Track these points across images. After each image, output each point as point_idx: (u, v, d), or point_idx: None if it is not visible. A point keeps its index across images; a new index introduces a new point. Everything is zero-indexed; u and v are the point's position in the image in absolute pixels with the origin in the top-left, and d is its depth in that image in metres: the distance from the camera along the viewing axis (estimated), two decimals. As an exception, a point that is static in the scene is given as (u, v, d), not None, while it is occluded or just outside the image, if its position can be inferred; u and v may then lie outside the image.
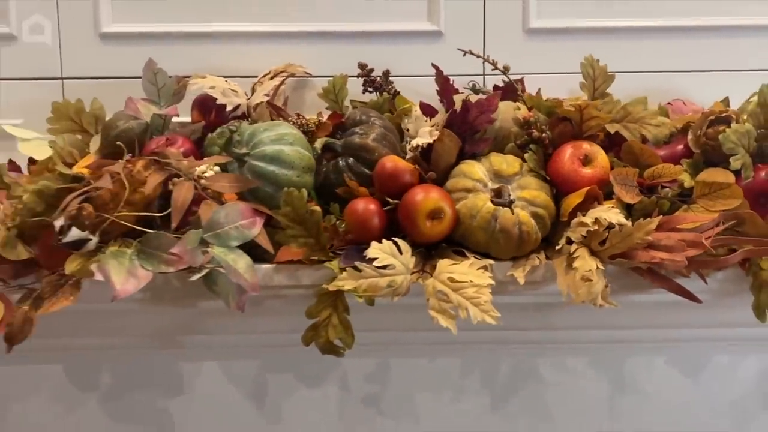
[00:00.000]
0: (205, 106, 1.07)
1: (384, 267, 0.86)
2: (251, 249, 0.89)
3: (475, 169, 0.93)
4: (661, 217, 0.88)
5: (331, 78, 1.11)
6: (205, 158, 0.96)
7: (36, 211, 0.90)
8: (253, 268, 0.86)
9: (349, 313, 0.91)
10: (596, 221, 0.87)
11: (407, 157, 0.96)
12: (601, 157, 0.94)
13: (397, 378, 1.05)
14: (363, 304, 0.90)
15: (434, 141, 0.94)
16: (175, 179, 0.92)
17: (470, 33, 1.14)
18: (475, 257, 0.91)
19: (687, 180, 0.93)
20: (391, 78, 1.11)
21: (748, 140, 0.92)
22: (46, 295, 0.88)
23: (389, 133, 0.99)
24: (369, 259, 0.87)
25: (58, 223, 0.85)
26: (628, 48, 1.14)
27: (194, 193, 0.89)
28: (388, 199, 0.92)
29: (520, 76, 1.08)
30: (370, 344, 0.97)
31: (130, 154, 0.96)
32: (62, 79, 1.14)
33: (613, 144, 0.99)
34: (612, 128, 0.97)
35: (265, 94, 1.05)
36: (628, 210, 0.92)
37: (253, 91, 1.10)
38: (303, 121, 1.02)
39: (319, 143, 0.98)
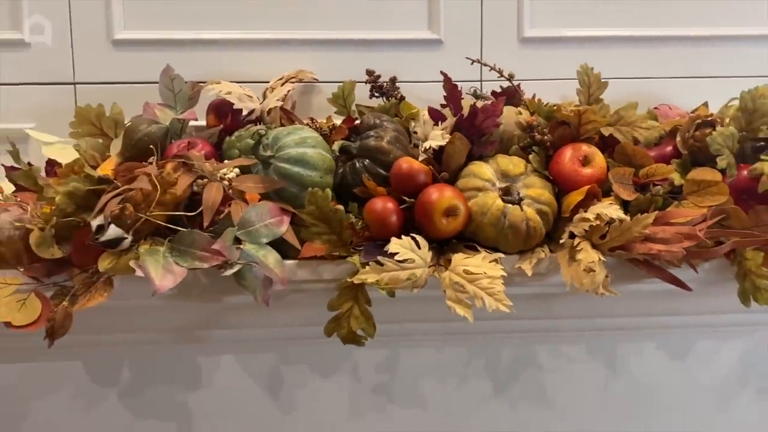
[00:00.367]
0: (221, 110, 1.11)
1: (404, 261, 0.92)
2: (275, 246, 0.94)
3: (484, 170, 1.00)
4: (656, 212, 0.95)
5: (336, 83, 1.15)
6: (227, 161, 1.01)
7: (67, 212, 0.93)
8: (282, 263, 0.91)
9: (370, 304, 0.96)
10: (598, 216, 0.94)
11: (420, 158, 1.01)
12: (599, 158, 1.01)
13: (405, 367, 1.10)
14: (374, 297, 0.95)
15: (446, 143, 1.00)
16: (199, 180, 0.97)
17: (468, 41, 1.19)
18: (485, 251, 0.97)
19: (677, 178, 0.99)
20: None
21: (732, 142, 0.99)
22: (79, 292, 0.92)
23: (401, 135, 1.04)
24: (389, 253, 0.92)
25: (96, 222, 0.88)
26: (614, 56, 1.20)
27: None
28: (405, 198, 0.98)
29: (516, 82, 1.12)
30: (381, 335, 1.00)
31: (153, 157, 1.01)
32: (75, 84, 1.16)
33: (606, 146, 1.05)
34: (607, 131, 1.03)
35: (278, 99, 1.10)
36: (625, 206, 0.99)
37: (264, 96, 1.15)
38: (317, 125, 1.08)
39: (336, 146, 1.03)
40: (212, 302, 1.00)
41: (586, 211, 0.96)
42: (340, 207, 0.96)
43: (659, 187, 0.99)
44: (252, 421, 1.10)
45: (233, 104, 1.08)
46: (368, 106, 1.15)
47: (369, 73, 1.15)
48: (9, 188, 1.05)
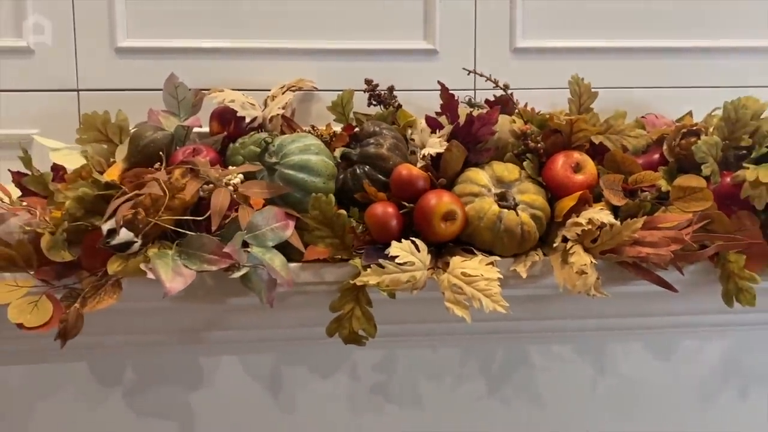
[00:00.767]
0: (224, 118, 1.13)
1: (404, 264, 0.96)
2: (280, 249, 0.97)
3: (480, 176, 1.03)
4: (645, 217, 0.99)
5: (335, 91, 1.18)
6: (232, 167, 1.04)
7: (76, 216, 0.96)
8: (287, 265, 0.94)
9: (371, 305, 0.99)
10: (590, 221, 0.98)
11: (418, 165, 1.05)
12: (590, 165, 1.05)
13: (402, 367, 1.13)
14: (373, 298, 0.98)
15: (444, 150, 1.03)
16: (206, 186, 0.99)
17: (463, 51, 1.22)
18: (482, 254, 1.00)
19: (664, 185, 1.03)
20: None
21: (716, 151, 1.04)
22: (89, 294, 0.94)
23: (400, 143, 1.07)
24: (390, 256, 0.96)
25: (107, 226, 0.91)
26: (604, 66, 1.24)
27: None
28: (404, 203, 1.02)
29: (509, 92, 1.16)
30: (379, 336, 1.02)
31: (160, 163, 1.03)
32: (78, 91, 1.18)
33: (596, 153, 1.08)
34: (597, 139, 1.07)
35: (279, 107, 1.13)
36: (615, 212, 1.03)
37: (265, 103, 1.17)
38: (319, 133, 1.11)
39: (337, 153, 1.06)
40: (216, 304, 1.02)
41: (578, 216, 1.00)
42: (343, 212, 0.99)
43: (647, 193, 1.03)
44: (253, 421, 1.13)
45: (236, 112, 1.11)
46: (366, 114, 1.18)
47: (367, 81, 1.18)
48: (14, 193, 1.07)
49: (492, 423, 1.16)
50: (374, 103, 1.18)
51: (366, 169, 1.04)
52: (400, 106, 1.18)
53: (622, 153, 1.07)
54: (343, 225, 0.98)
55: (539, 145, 1.06)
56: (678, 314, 1.12)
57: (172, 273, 0.90)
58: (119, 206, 0.90)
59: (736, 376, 1.19)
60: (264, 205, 0.99)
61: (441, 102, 1.10)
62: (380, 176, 1.04)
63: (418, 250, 0.97)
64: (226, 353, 1.10)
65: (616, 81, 1.25)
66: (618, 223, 0.98)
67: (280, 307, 0.98)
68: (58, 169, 1.09)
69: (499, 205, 1.01)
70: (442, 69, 1.21)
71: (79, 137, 1.10)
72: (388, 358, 1.13)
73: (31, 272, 0.96)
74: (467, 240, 1.03)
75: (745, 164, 1.03)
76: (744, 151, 1.06)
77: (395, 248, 0.96)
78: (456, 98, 1.09)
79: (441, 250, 1.03)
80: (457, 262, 0.97)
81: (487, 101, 1.19)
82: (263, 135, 1.05)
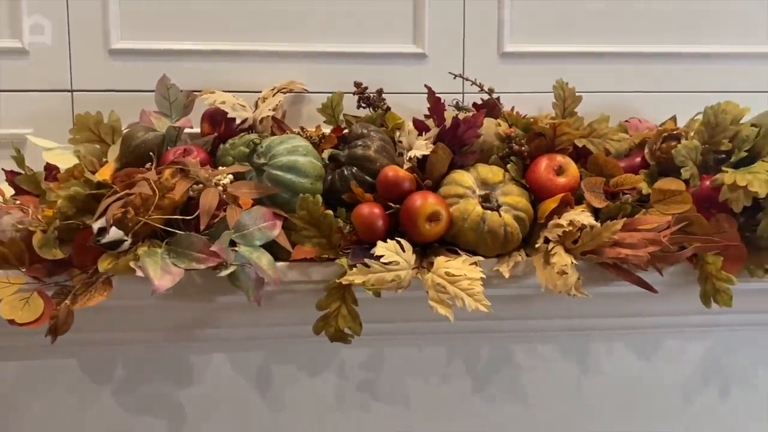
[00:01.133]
0: (215, 119, 1.15)
1: (389, 263, 0.98)
2: (268, 249, 0.99)
3: (465, 178, 1.06)
4: (624, 219, 1.01)
5: (325, 94, 1.20)
6: (221, 167, 1.05)
7: (68, 215, 0.98)
8: (274, 264, 0.96)
9: (357, 304, 1.01)
10: (571, 223, 1.00)
11: (405, 166, 1.07)
12: (573, 168, 1.07)
13: (389, 366, 1.14)
14: (360, 297, 1.00)
15: (430, 153, 1.06)
16: (195, 186, 1.01)
17: (451, 55, 1.24)
18: (466, 255, 1.02)
19: (645, 188, 1.05)
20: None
21: (695, 154, 1.06)
22: (79, 291, 0.96)
23: (387, 145, 1.09)
24: (375, 256, 0.98)
25: (97, 225, 0.93)
26: (589, 71, 1.26)
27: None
28: (390, 204, 1.04)
29: (496, 95, 1.18)
30: (366, 334, 1.03)
31: (150, 163, 1.05)
32: (72, 91, 1.20)
33: (580, 156, 1.10)
34: (580, 143, 1.09)
35: (270, 109, 1.15)
36: (596, 213, 1.05)
37: (256, 105, 1.19)
38: (308, 134, 1.13)
39: (325, 154, 1.08)
40: (205, 302, 1.04)
41: (559, 218, 1.02)
42: (330, 212, 1.01)
43: (628, 195, 1.05)
44: (242, 417, 1.14)
45: (227, 113, 1.13)
46: (356, 116, 1.20)
47: (356, 84, 1.19)
48: (8, 191, 1.09)
49: (477, 421, 1.18)
50: (363, 105, 1.20)
51: (353, 170, 1.06)
52: (388, 108, 1.19)
53: (604, 156, 1.09)
54: (329, 225, 1.00)
55: (523, 148, 1.08)
56: (659, 315, 1.14)
57: (160, 271, 0.91)
58: (110, 205, 0.92)
59: (717, 375, 1.20)
60: (253, 206, 1.01)
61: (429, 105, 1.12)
62: (367, 177, 1.06)
63: (403, 250, 0.99)
64: (215, 351, 1.12)
65: (602, 85, 1.27)
66: (598, 224, 1.00)
67: (267, 306, 1.00)
68: (51, 169, 1.11)
69: (483, 207, 1.03)
70: (431, 72, 1.23)
71: (72, 137, 1.12)
72: (375, 357, 1.15)
73: (23, 269, 0.98)
74: (452, 240, 1.05)
75: (724, 168, 1.05)
76: (723, 155, 1.08)
77: (381, 248, 0.98)
78: (443, 102, 1.11)
79: (426, 251, 1.05)
80: (441, 262, 0.99)
81: (474, 105, 1.21)
82: (253, 136, 1.07)
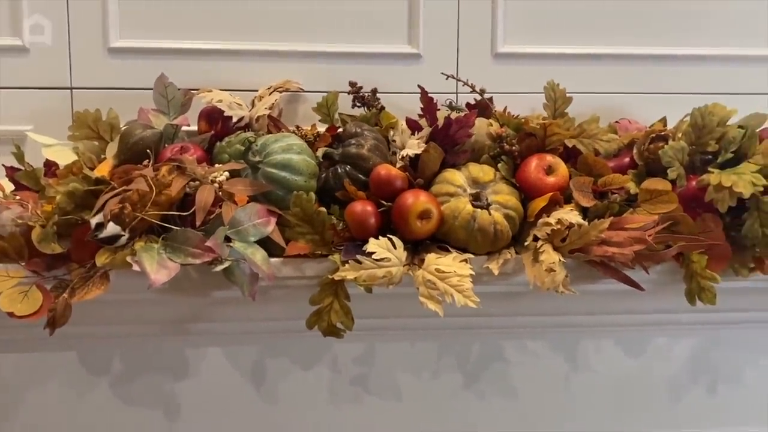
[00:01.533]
0: (212, 117, 1.17)
1: (381, 260, 0.99)
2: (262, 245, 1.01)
3: (457, 177, 1.07)
4: (611, 218, 1.03)
5: (320, 93, 1.22)
6: (218, 165, 1.07)
7: (66, 210, 1.00)
8: (268, 260, 0.98)
9: (349, 299, 1.03)
10: (559, 221, 1.02)
11: (397, 165, 1.08)
12: (562, 168, 1.09)
13: (381, 360, 1.16)
14: (353, 294, 1.02)
15: (422, 152, 1.07)
16: (192, 183, 1.03)
17: (445, 56, 1.26)
18: (456, 252, 1.04)
19: (633, 187, 1.07)
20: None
21: (682, 155, 1.07)
22: (77, 285, 0.98)
23: (380, 144, 1.11)
24: (367, 252, 1.00)
25: (95, 220, 0.95)
26: (581, 72, 1.27)
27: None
28: (382, 202, 1.05)
29: (489, 95, 1.20)
30: (358, 330, 1.05)
31: (148, 160, 1.07)
32: (71, 89, 1.22)
33: (570, 156, 1.12)
34: (570, 143, 1.11)
35: (266, 108, 1.17)
36: (584, 212, 1.06)
37: (252, 104, 1.21)
38: (303, 133, 1.15)
39: (320, 152, 1.10)
40: (201, 297, 1.06)
41: (548, 216, 1.04)
42: (323, 209, 1.03)
43: (616, 195, 1.07)
44: (236, 410, 1.16)
45: (223, 111, 1.14)
46: (350, 115, 1.22)
47: (351, 84, 1.21)
48: (8, 187, 1.11)
49: (468, 416, 1.20)
50: (358, 105, 1.22)
51: (347, 168, 1.08)
52: (382, 108, 1.21)
53: (594, 156, 1.10)
54: (323, 222, 1.02)
55: (514, 147, 1.10)
56: (647, 313, 1.15)
57: (157, 265, 0.93)
58: (107, 201, 0.94)
59: (704, 373, 1.22)
60: (248, 203, 1.02)
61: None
62: (360, 176, 1.08)
63: (395, 247, 1.01)
64: (211, 345, 1.14)
65: (593, 87, 1.29)
66: (586, 223, 1.02)
67: (262, 301, 1.02)
68: (50, 165, 1.13)
69: (474, 205, 1.05)
70: (425, 73, 1.25)
71: (71, 134, 1.14)
72: (367, 352, 1.16)
73: (23, 263, 0.99)
74: (443, 238, 1.06)
75: (710, 168, 1.07)
76: (710, 156, 1.10)
77: (372, 245, 1.00)
78: (435, 101, 1.13)
79: (417, 248, 1.06)
80: (431, 259, 1.01)
81: (467, 105, 1.22)
82: (248, 134, 1.08)
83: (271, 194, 1.04)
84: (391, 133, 1.15)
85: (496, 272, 1.03)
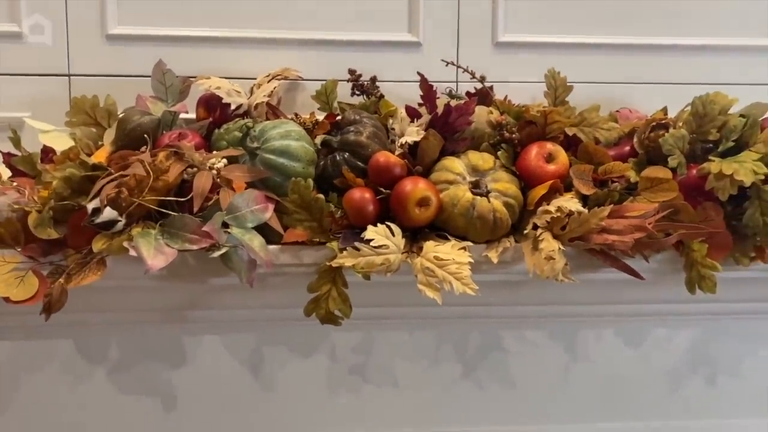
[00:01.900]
0: (210, 104, 1.17)
1: (379, 247, 0.99)
2: (260, 231, 1.01)
3: (456, 164, 1.07)
4: (612, 206, 1.02)
5: (319, 81, 1.22)
6: (216, 151, 1.07)
7: (63, 196, 0.99)
8: (266, 246, 0.98)
9: (347, 287, 1.02)
10: (559, 209, 1.01)
11: (396, 152, 1.08)
12: (562, 156, 1.08)
13: (379, 349, 1.15)
14: (351, 282, 1.01)
15: (421, 139, 1.07)
16: (189, 169, 1.03)
17: (446, 44, 1.25)
18: (455, 240, 1.04)
19: (633, 176, 1.06)
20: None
21: (683, 143, 1.07)
22: (74, 271, 0.97)
23: (379, 131, 1.11)
24: (366, 240, 0.99)
25: (92, 205, 0.94)
26: (582, 61, 1.27)
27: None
28: (381, 189, 1.05)
29: (489, 84, 1.20)
30: (356, 318, 1.05)
31: (146, 146, 1.07)
32: (69, 76, 1.21)
33: (570, 144, 1.12)
34: (571, 131, 1.10)
35: (265, 95, 1.16)
36: (584, 200, 1.06)
37: (251, 91, 1.21)
38: (301, 120, 1.14)
39: (318, 139, 1.09)
40: (198, 283, 1.05)
41: (548, 204, 1.03)
42: (321, 196, 1.02)
43: (617, 183, 1.07)
44: (234, 398, 1.15)
45: (222, 99, 1.14)
46: (349, 104, 1.21)
47: (351, 72, 1.21)
48: (4, 173, 1.11)
49: (466, 404, 1.19)
50: (357, 93, 1.21)
51: (345, 155, 1.08)
52: (382, 96, 1.21)
53: (594, 144, 1.10)
54: (321, 209, 1.01)
55: (514, 135, 1.09)
56: (647, 302, 1.15)
57: (154, 251, 0.93)
58: (104, 186, 0.93)
59: (704, 363, 1.22)
60: (246, 189, 1.02)
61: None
62: (359, 163, 1.07)
63: (393, 235, 1.00)
64: (208, 332, 1.13)
65: (595, 76, 1.28)
66: (586, 211, 1.01)
67: (259, 288, 1.02)
68: (47, 151, 1.12)
69: (473, 193, 1.04)
70: (425, 61, 1.24)
71: (68, 120, 1.14)
72: (365, 340, 1.16)
73: (19, 249, 0.99)
74: (442, 226, 1.06)
75: (711, 157, 1.06)
76: (711, 145, 1.10)
77: (371, 232, 0.99)
78: (435, 89, 1.12)
79: (416, 235, 1.06)
80: (430, 246, 1.01)
81: (467, 93, 1.22)
82: (246, 120, 1.08)
83: (269, 180, 1.04)
84: (390, 121, 1.15)
85: (495, 260, 1.03)
